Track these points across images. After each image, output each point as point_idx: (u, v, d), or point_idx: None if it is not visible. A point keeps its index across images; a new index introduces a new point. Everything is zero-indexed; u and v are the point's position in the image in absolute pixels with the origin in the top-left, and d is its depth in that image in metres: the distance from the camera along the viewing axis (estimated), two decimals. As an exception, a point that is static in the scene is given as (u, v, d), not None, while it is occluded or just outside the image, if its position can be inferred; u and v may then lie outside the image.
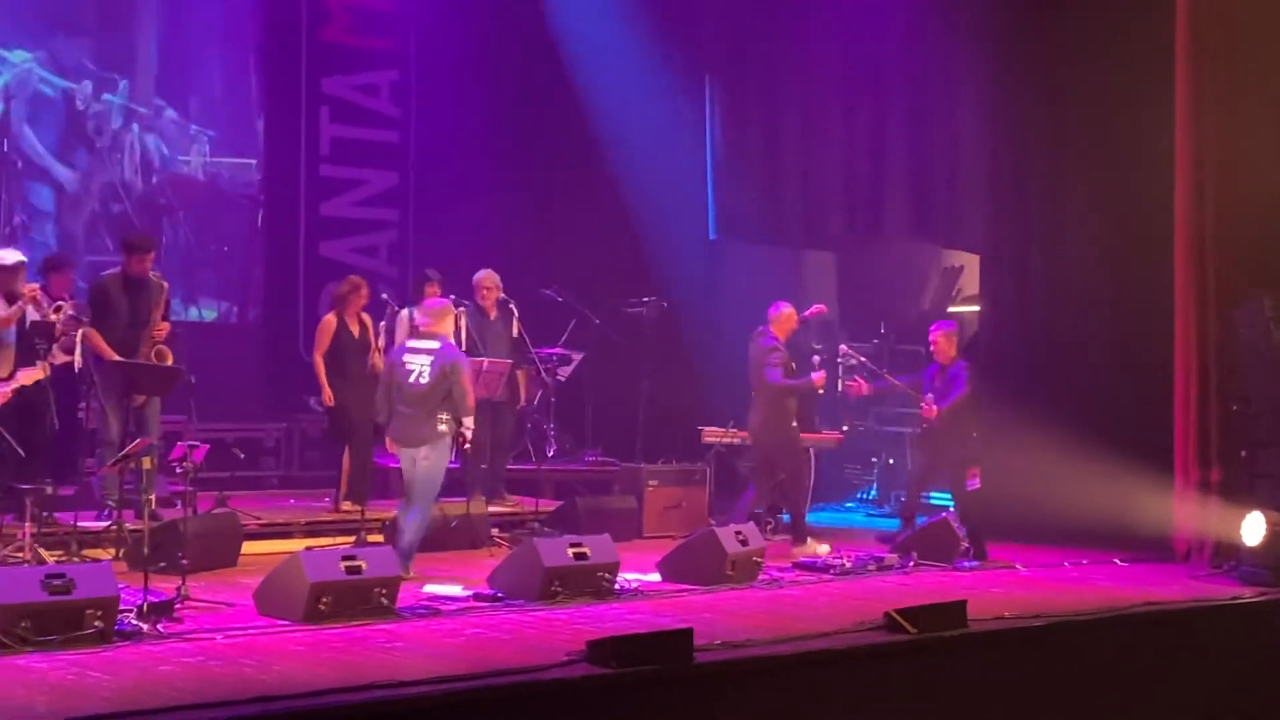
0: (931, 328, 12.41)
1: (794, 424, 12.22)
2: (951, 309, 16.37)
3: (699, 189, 14.95)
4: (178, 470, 9.48)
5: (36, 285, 10.56)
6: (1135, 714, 9.04)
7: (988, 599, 9.70)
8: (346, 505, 12.07)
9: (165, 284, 11.23)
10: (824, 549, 11.70)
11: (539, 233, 15.21)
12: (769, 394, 12.05)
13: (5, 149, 13.90)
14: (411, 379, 10.26)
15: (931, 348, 12.33)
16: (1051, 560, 11.66)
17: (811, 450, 13.12)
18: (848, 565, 11.03)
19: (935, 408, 11.89)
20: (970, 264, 15.77)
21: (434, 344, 10.37)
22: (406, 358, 10.40)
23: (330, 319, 12.14)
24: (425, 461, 10.26)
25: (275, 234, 15.37)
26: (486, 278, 12.78)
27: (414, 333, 12.11)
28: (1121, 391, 12.54)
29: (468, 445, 10.52)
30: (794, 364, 12.14)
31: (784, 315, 12.15)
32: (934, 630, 8.51)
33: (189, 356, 11.70)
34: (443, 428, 10.21)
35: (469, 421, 10.38)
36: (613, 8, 14.96)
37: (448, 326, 10.64)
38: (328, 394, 11.98)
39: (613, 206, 15.18)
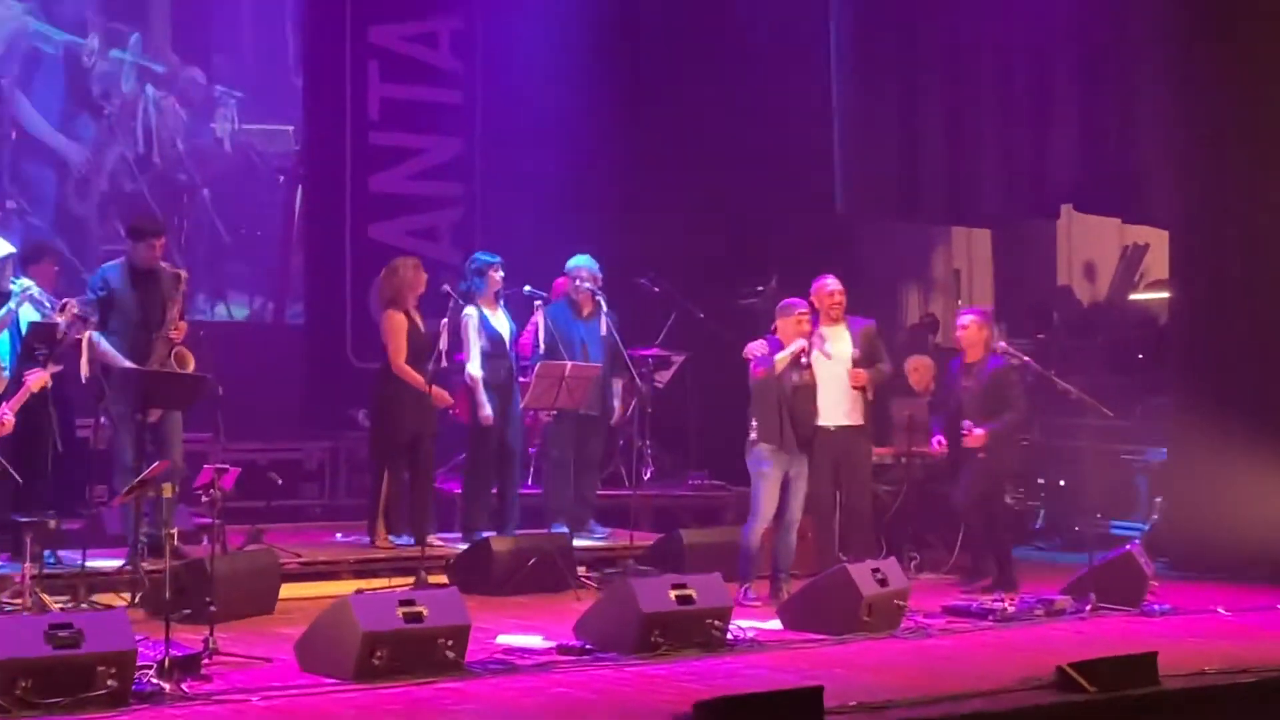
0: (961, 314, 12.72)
1: None
2: (1134, 296, 16.22)
3: (825, 156, 14.86)
4: (203, 499, 9.57)
5: (30, 281, 10.63)
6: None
7: (1183, 650, 9.62)
8: (383, 540, 12.10)
9: (183, 274, 11.29)
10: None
11: (630, 210, 15.19)
12: None
13: (-1, 120, 14.12)
14: None
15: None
16: (1261, 603, 11.55)
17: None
18: (1010, 610, 10.96)
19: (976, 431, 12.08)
20: (1158, 242, 15.60)
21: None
22: None
23: (400, 317, 11.89)
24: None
25: (317, 215, 15.48)
26: (581, 267, 12.70)
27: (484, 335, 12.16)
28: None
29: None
30: None
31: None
32: (1118, 689, 8.47)
33: (215, 362, 11.77)
34: (752, 435, 11.36)
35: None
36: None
37: (786, 329, 11.45)
38: (439, 394, 11.87)
39: (720, 178, 15.13)
